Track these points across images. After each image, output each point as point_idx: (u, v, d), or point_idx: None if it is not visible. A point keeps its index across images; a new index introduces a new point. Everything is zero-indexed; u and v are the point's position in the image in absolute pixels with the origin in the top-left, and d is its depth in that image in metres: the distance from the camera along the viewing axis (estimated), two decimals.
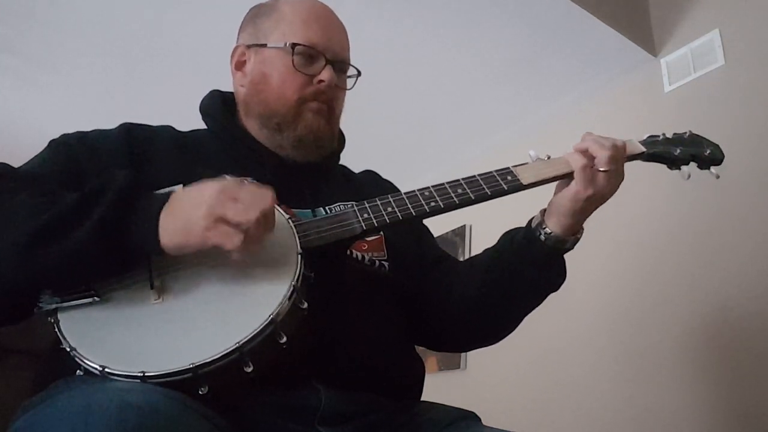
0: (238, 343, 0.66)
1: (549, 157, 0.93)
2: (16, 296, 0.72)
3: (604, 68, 2.21)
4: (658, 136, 1.01)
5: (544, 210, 0.92)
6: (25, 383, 0.82)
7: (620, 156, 0.89)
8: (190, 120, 1.04)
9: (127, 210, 0.71)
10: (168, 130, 0.99)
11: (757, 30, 1.83)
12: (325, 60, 0.96)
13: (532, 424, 2.10)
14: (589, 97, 2.34)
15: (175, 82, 2.41)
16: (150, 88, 2.49)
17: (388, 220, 0.84)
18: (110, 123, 0.96)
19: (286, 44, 0.96)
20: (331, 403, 0.79)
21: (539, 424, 2.11)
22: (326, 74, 0.95)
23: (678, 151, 0.99)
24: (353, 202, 0.88)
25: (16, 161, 0.86)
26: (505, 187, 0.90)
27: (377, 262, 0.95)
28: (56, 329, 0.69)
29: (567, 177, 0.90)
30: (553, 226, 0.90)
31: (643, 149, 0.98)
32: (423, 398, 0.96)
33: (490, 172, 0.91)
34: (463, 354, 2.49)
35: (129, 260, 0.72)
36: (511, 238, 0.95)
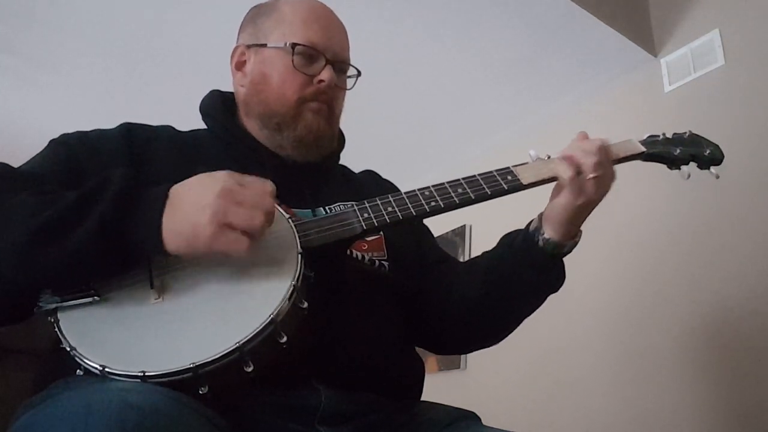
0: (238, 342, 0.66)
1: (549, 157, 0.93)
2: (16, 296, 0.72)
3: (604, 68, 2.21)
4: (658, 135, 1.01)
5: (542, 214, 0.93)
6: (25, 383, 0.82)
7: (607, 158, 0.89)
8: (190, 120, 1.04)
9: (127, 209, 0.70)
10: (168, 130, 0.99)
11: (757, 30, 1.83)
12: (325, 60, 0.96)
13: (532, 424, 2.10)
14: (589, 97, 2.34)
15: (175, 82, 2.41)
16: (150, 88, 2.49)
17: (388, 220, 0.84)
18: (110, 123, 0.96)
19: (286, 44, 0.96)
20: (331, 403, 0.79)
21: (539, 424, 2.11)
22: (326, 74, 0.95)
23: (678, 151, 0.99)
24: (353, 202, 0.88)
25: (16, 161, 0.86)
26: (506, 186, 0.90)
27: (377, 261, 0.95)
28: (56, 329, 0.68)
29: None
30: (550, 233, 0.90)
31: (643, 149, 0.98)
32: (423, 398, 0.96)
33: (491, 171, 0.91)
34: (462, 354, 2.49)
35: (129, 260, 0.72)
36: (510, 242, 0.96)
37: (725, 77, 1.90)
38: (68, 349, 0.66)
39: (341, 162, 1.11)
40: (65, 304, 0.70)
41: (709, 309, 1.75)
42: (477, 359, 2.47)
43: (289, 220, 0.80)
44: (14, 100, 2.62)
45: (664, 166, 1.02)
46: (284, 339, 0.70)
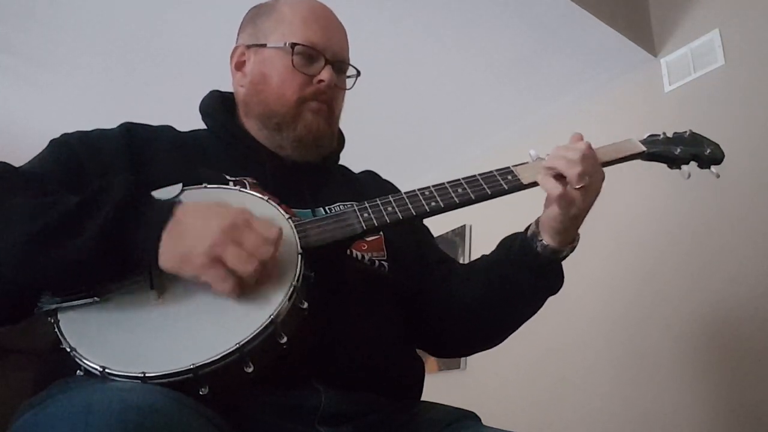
0: (238, 343, 0.66)
1: None
2: (15, 296, 0.72)
3: (604, 68, 2.21)
4: (659, 135, 1.01)
5: (539, 220, 0.92)
6: (25, 383, 0.82)
7: (593, 164, 0.87)
8: (190, 120, 1.04)
9: (128, 219, 0.70)
10: (168, 130, 0.99)
11: (757, 30, 1.83)
12: (325, 60, 0.96)
13: (532, 424, 2.10)
14: (589, 97, 2.34)
15: (175, 82, 2.41)
16: (150, 88, 2.49)
17: (388, 220, 0.84)
18: (110, 123, 0.96)
19: (285, 44, 0.96)
20: (331, 403, 0.79)
21: (539, 424, 2.11)
22: (326, 74, 0.95)
23: (678, 150, 0.99)
24: (353, 202, 0.88)
25: (16, 161, 0.86)
26: (506, 186, 0.90)
27: (377, 261, 0.95)
28: (56, 329, 0.68)
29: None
30: (548, 239, 0.90)
31: (644, 148, 0.98)
32: (423, 398, 0.96)
33: (491, 171, 0.91)
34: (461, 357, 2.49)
35: (128, 268, 0.72)
36: (508, 247, 0.96)
37: (725, 77, 1.90)
38: (68, 349, 0.66)
39: (341, 162, 1.10)
40: (65, 304, 0.70)
41: (709, 309, 1.75)
42: (477, 359, 2.46)
43: (289, 221, 0.80)
44: (14, 100, 2.62)
45: (665, 166, 1.02)
46: (284, 339, 0.70)
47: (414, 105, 2.54)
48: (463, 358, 2.53)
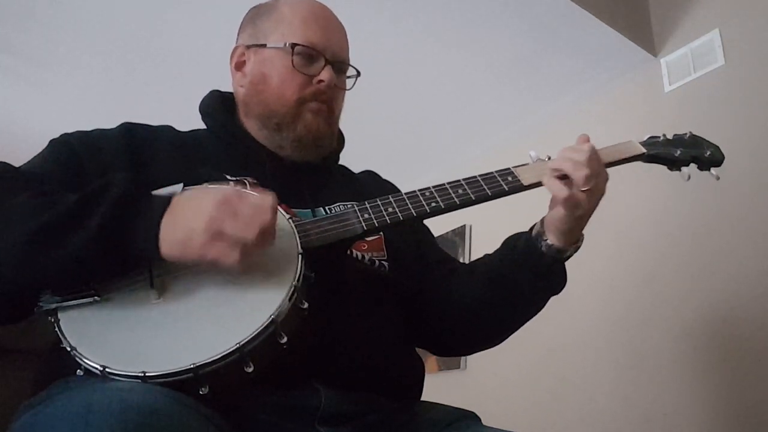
0: (238, 343, 0.66)
1: (549, 158, 0.93)
2: (15, 295, 0.72)
3: (604, 68, 2.21)
4: (659, 137, 1.01)
5: (544, 219, 0.92)
6: (25, 383, 0.82)
7: (598, 166, 0.87)
8: (190, 120, 1.04)
9: (127, 214, 0.70)
10: (168, 130, 0.99)
11: (757, 30, 1.83)
12: (325, 60, 0.96)
13: (532, 424, 2.10)
14: (589, 97, 2.34)
15: (174, 82, 2.41)
16: (150, 88, 2.49)
17: (388, 221, 0.84)
18: (110, 123, 0.96)
19: (285, 44, 0.96)
20: (331, 403, 0.79)
21: (540, 424, 2.11)
22: (326, 74, 0.95)
23: (678, 152, 0.99)
24: (354, 202, 0.88)
25: (16, 161, 0.86)
26: (506, 187, 0.90)
27: (377, 261, 0.95)
28: (56, 328, 0.68)
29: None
30: (552, 239, 0.90)
31: (644, 150, 0.98)
32: (423, 398, 0.96)
33: (491, 172, 0.91)
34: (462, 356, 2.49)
35: (128, 264, 0.72)
36: (512, 246, 0.96)
37: (725, 77, 1.90)
38: (68, 349, 0.66)
39: (341, 162, 1.10)
40: (65, 304, 0.70)
41: (709, 309, 1.75)
42: (477, 359, 2.47)
43: (290, 221, 0.80)
44: (14, 100, 2.62)
45: (665, 167, 1.02)
46: (284, 339, 0.70)
47: (414, 105, 2.54)
48: (463, 359, 2.53)
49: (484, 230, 2.65)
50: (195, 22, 2.13)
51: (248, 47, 1.01)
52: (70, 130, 0.92)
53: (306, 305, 0.73)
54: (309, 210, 0.92)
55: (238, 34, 1.05)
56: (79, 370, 0.66)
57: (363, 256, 0.93)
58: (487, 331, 1.01)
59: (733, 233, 1.74)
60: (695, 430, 1.69)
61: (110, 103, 2.55)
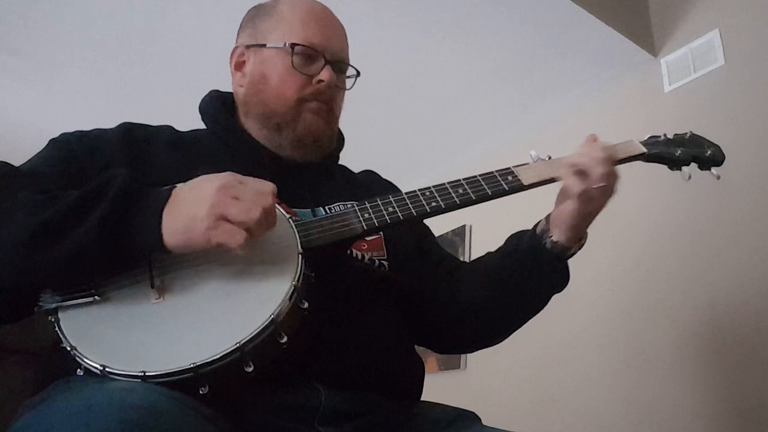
0: (238, 342, 0.66)
1: (549, 158, 0.93)
2: (15, 294, 0.72)
3: (604, 68, 2.21)
4: (659, 136, 1.01)
5: (549, 216, 0.93)
6: (25, 383, 0.82)
7: (613, 165, 0.88)
8: (189, 120, 1.04)
9: (128, 208, 0.70)
10: (167, 130, 0.99)
11: (757, 30, 1.83)
12: (325, 60, 0.96)
13: (532, 424, 2.10)
14: (589, 97, 2.34)
15: (174, 82, 2.41)
16: (150, 88, 2.49)
17: (388, 220, 0.84)
18: (110, 123, 0.96)
19: (285, 44, 0.96)
20: (331, 403, 0.78)
21: (539, 424, 2.11)
22: (325, 74, 0.95)
23: (679, 151, 0.99)
24: (354, 202, 0.88)
25: (16, 161, 0.86)
26: (506, 187, 0.90)
27: (377, 261, 0.95)
28: (56, 328, 0.68)
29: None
30: (558, 236, 0.90)
31: (644, 150, 0.98)
32: (423, 398, 0.96)
33: (491, 172, 0.91)
34: (463, 354, 2.49)
35: (131, 259, 0.72)
36: (516, 243, 0.96)
37: (725, 77, 1.90)
38: (68, 348, 0.66)
39: (341, 162, 1.10)
40: (65, 303, 0.70)
41: (709, 309, 1.75)
42: (477, 359, 2.47)
43: (290, 220, 0.80)
44: (14, 100, 2.62)
45: (665, 167, 1.02)
46: (285, 339, 0.70)
47: (414, 105, 2.54)
48: (463, 358, 2.53)
49: (484, 230, 2.65)
50: (195, 22, 2.13)
51: (248, 47, 1.01)
52: (69, 130, 0.92)
53: (306, 305, 0.73)
54: (309, 210, 0.92)
55: (238, 34, 1.05)
56: (79, 370, 0.66)
57: (363, 256, 0.93)
58: (490, 328, 1.01)
59: (733, 233, 1.74)
60: (695, 430, 1.69)
61: (110, 103, 2.55)
